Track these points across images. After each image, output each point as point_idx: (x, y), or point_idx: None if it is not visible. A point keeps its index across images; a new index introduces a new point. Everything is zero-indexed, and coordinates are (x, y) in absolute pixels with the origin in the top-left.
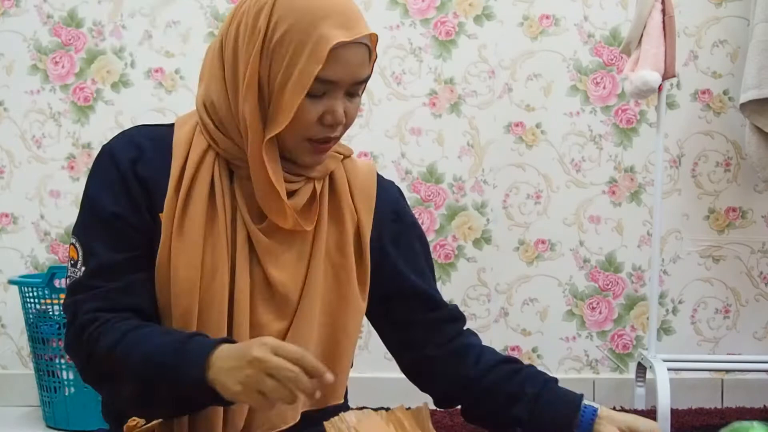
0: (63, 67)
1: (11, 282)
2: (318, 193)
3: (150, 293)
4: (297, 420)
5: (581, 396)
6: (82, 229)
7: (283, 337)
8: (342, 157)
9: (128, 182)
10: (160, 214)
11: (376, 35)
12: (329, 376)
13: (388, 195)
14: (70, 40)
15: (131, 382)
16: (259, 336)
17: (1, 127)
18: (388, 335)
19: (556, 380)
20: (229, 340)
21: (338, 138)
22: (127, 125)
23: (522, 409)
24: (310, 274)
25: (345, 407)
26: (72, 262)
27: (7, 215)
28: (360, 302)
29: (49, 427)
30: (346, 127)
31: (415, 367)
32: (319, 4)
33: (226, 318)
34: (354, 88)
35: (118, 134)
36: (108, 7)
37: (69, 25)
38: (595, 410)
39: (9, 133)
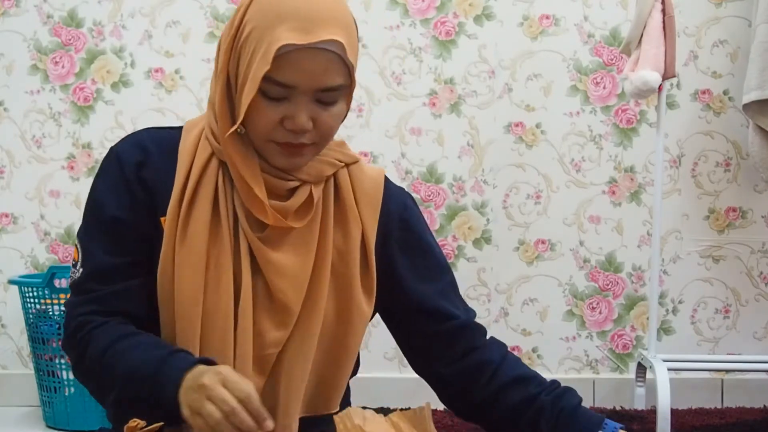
0: (63, 67)
1: (11, 282)
2: (316, 197)
3: (143, 300)
4: None
5: (599, 426)
6: (84, 232)
7: (283, 345)
8: (343, 164)
9: (132, 185)
10: (162, 219)
11: (344, 42)
12: (269, 424)
13: (395, 202)
14: (70, 40)
15: (114, 390)
16: (260, 344)
17: (1, 127)
18: (400, 345)
19: (573, 405)
20: (209, 360)
21: (313, 146)
22: (127, 125)
23: None
24: (313, 284)
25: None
26: (73, 263)
27: (7, 215)
28: (363, 311)
29: (49, 427)
30: (323, 135)
31: (430, 382)
32: (284, 7)
33: (232, 325)
34: (323, 96)
35: (127, 136)
36: (108, 7)
37: (69, 25)
38: None
39: (9, 133)
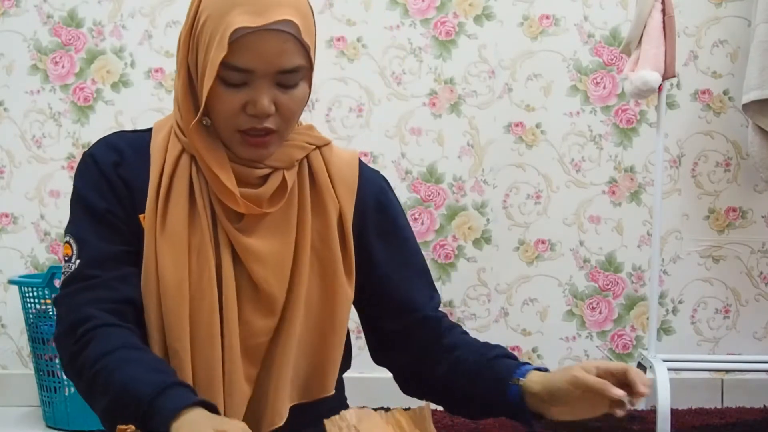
0: (63, 67)
1: (11, 282)
2: (290, 182)
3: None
4: (283, 422)
5: (514, 371)
6: (75, 226)
7: (272, 333)
8: (314, 147)
9: (112, 182)
10: (141, 216)
11: (298, 23)
12: None
13: (371, 184)
14: (70, 40)
15: (106, 397)
16: (249, 334)
17: (1, 127)
18: (367, 334)
19: (490, 357)
20: (209, 404)
21: (276, 133)
22: (127, 125)
23: (474, 409)
24: (295, 268)
25: (343, 404)
26: (66, 257)
27: (7, 215)
28: (347, 292)
29: (49, 427)
30: (286, 119)
31: (393, 371)
32: None
33: (218, 316)
34: (283, 79)
35: (98, 141)
36: (108, 7)
37: (69, 25)
38: (518, 389)
39: (9, 133)
